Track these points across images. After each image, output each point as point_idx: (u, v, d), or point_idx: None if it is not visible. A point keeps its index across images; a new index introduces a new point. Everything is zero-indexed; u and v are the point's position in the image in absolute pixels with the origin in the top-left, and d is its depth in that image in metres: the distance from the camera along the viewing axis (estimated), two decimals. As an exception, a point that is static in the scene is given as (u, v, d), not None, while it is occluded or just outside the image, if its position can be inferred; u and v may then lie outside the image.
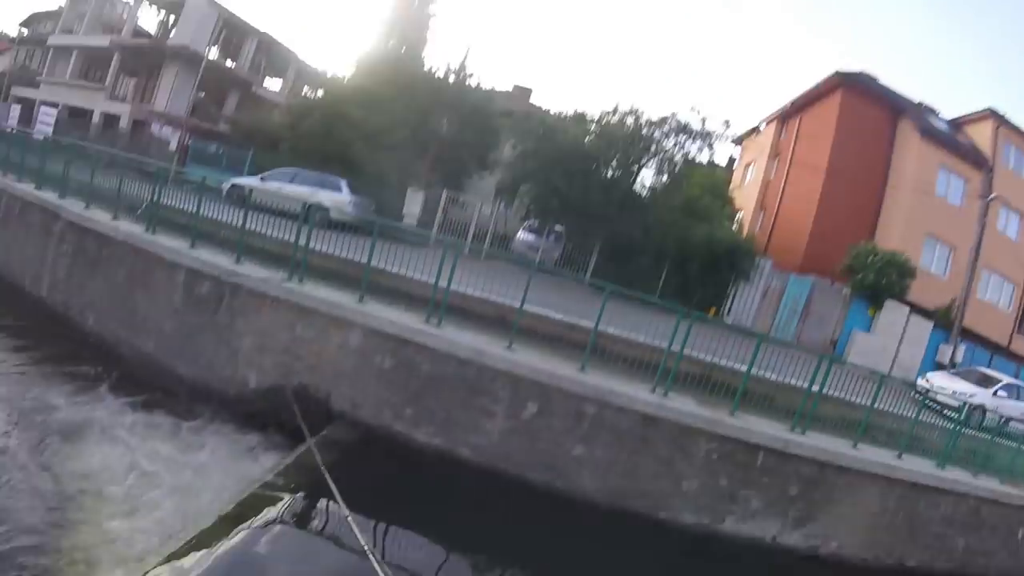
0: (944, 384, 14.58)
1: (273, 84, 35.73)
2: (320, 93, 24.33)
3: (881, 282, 18.47)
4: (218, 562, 5.51)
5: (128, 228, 9.99)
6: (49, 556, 5.68)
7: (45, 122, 25.59)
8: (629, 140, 18.51)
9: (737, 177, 32.54)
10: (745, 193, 29.27)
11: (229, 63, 31.23)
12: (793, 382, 9.09)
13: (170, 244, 9.35)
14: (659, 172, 19.74)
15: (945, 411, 11.29)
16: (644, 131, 18.73)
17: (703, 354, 9.23)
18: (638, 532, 8.03)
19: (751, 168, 31.97)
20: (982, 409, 12.72)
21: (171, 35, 31.64)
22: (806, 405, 8.48)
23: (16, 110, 31.15)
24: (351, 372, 8.44)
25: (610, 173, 18.92)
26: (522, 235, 20.21)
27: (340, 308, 8.35)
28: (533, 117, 19.89)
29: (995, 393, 14.66)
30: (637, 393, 8.05)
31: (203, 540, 5.69)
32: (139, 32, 34.84)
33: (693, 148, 19.42)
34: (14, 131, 18.19)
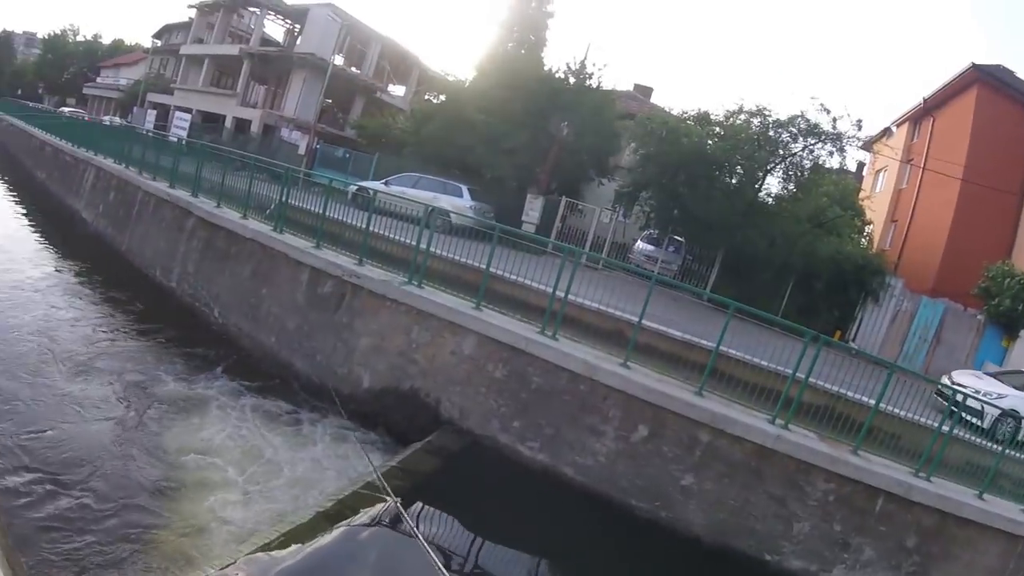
0: (970, 383, 12.14)
1: (397, 89, 37.32)
2: (442, 97, 24.97)
3: (1018, 309, 16.40)
4: (310, 557, 5.68)
5: (256, 226, 10.67)
6: (159, 526, 6.16)
7: (180, 126, 28.04)
8: (755, 143, 17.67)
9: (867, 185, 30.49)
10: (875, 203, 27.15)
11: (354, 70, 32.92)
12: (921, 420, 8.34)
13: (296, 243, 9.91)
14: (785, 179, 18.77)
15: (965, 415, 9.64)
16: (771, 133, 17.78)
17: (827, 383, 8.63)
18: (740, 574, 7.61)
19: (882, 175, 29.84)
20: (1017, 416, 10.35)
21: (297, 43, 33.91)
22: (934, 447, 7.75)
23: (152, 115, 34.31)
24: (462, 379, 8.56)
25: (734, 179, 18.18)
26: (641, 245, 19.84)
27: (456, 313, 8.51)
28: (654, 118, 19.31)
29: None
30: (755, 422, 7.62)
31: (299, 533, 5.87)
32: (267, 41, 37.64)
33: (823, 152, 18.18)
34: (151, 134, 19.82)
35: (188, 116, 30.44)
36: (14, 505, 5.93)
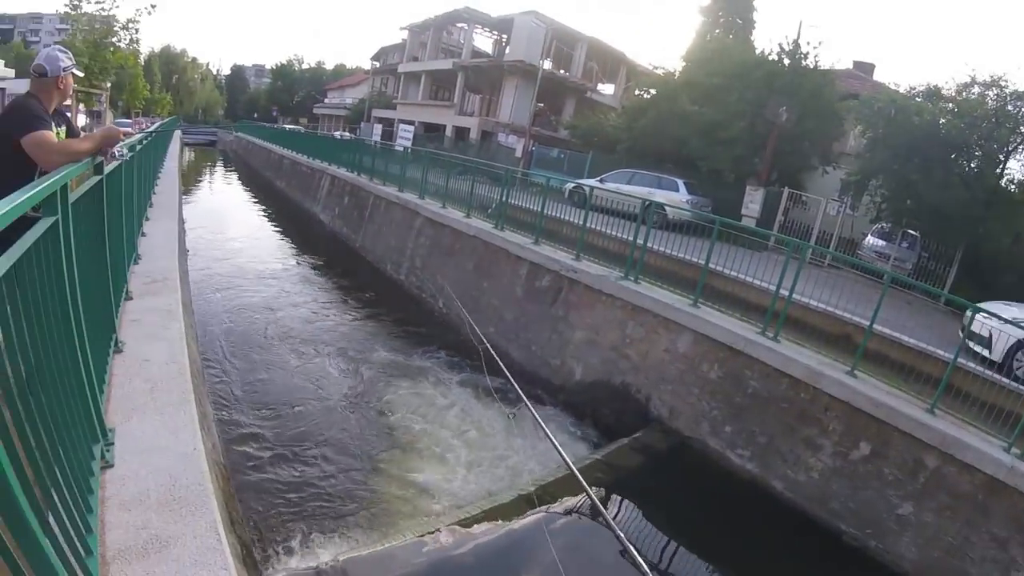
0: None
1: (606, 88, 38.34)
2: (652, 92, 25.15)
3: None
4: (506, 536, 6.19)
5: (479, 224, 11.76)
6: (375, 489, 7.06)
7: (404, 137, 31.23)
8: (993, 120, 15.59)
9: None
10: None
11: (562, 72, 34.33)
12: None
13: (516, 239, 10.81)
14: None
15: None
16: (1009, 107, 15.51)
17: None
18: None
19: None
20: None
21: (506, 52, 36.18)
22: None
23: (378, 128, 38.57)
24: (675, 377, 8.77)
25: (973, 163, 16.18)
26: (871, 240, 18.32)
27: (672, 310, 8.75)
28: (880, 97, 17.76)
29: None
30: (989, 449, 6.78)
31: (499, 512, 6.44)
32: (477, 53, 40.66)
33: None
34: (378, 145, 22.35)
35: (411, 128, 33.91)
36: (242, 460, 7.10)
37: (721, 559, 7.15)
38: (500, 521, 6.31)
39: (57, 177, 2.26)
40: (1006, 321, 8.44)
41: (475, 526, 6.16)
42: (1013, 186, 16.58)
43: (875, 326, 8.04)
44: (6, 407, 1.43)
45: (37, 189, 1.91)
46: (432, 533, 5.86)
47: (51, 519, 1.59)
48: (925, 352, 8.93)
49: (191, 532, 2.41)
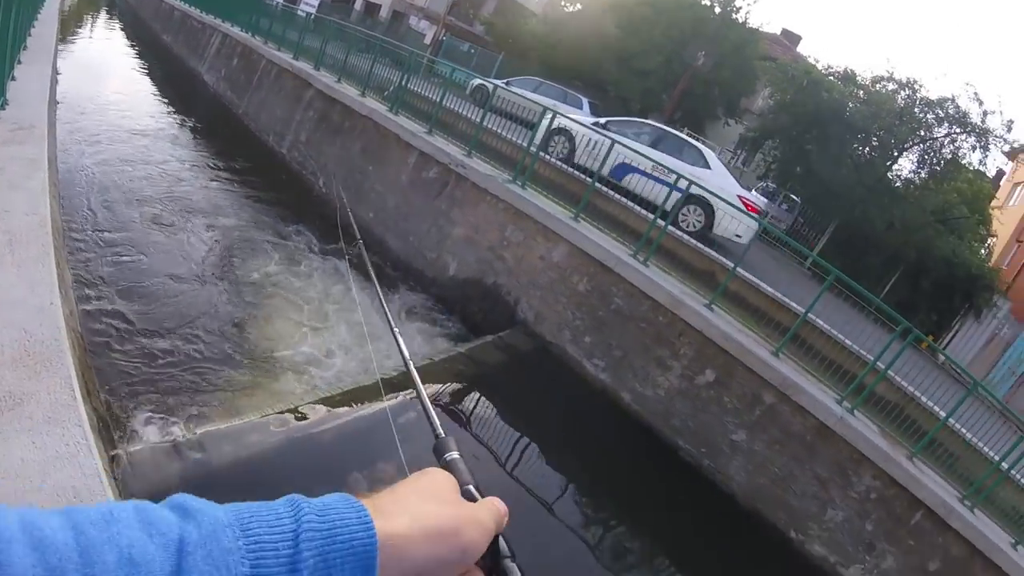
0: None
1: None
2: (578, 6, 24.69)
3: None
4: (358, 420, 6.18)
5: (374, 105, 11.27)
6: (229, 366, 6.87)
7: (309, 2, 28.81)
8: (897, 117, 16.79)
9: (1001, 195, 28.44)
10: (1005, 217, 25.34)
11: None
12: (986, 450, 7.94)
13: (409, 126, 10.46)
14: (920, 163, 17.82)
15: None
16: (916, 110, 16.85)
17: (905, 381, 8.37)
18: (762, 544, 7.72)
19: (1020, 190, 27.78)
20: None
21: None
22: (987, 480, 7.44)
23: (280, -14, 35.20)
24: (545, 285, 8.97)
25: (867, 150, 17.41)
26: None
27: (553, 220, 8.86)
28: (797, 66, 18.54)
29: None
30: (823, 398, 7.54)
31: (356, 395, 6.45)
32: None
33: (965, 145, 17.15)
34: (280, 7, 20.66)
35: (317, -5, 31.34)
36: (99, 330, 6.65)
37: (565, 458, 7.57)
38: (359, 403, 6.32)
39: None
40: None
41: (335, 409, 6.14)
42: (899, 181, 17.94)
43: (739, 269, 8.54)
44: None
45: None
46: (290, 411, 5.80)
47: None
48: (779, 302, 9.49)
49: (45, 389, 2.33)
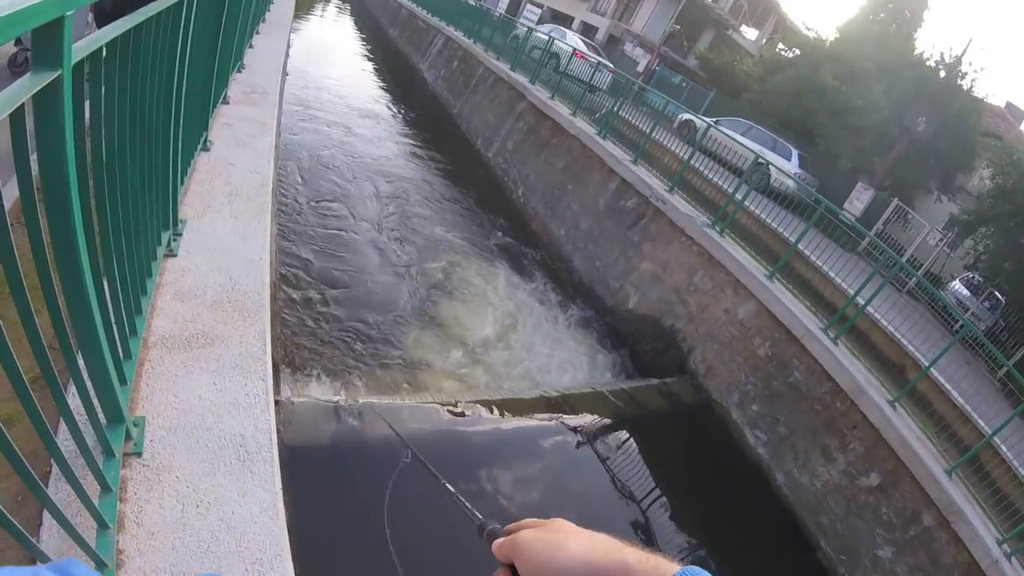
0: None
1: (749, 32, 36.18)
2: (796, 52, 23.86)
3: None
4: (511, 430, 6.37)
5: (582, 126, 11.46)
6: (403, 345, 7.22)
7: (529, 17, 29.92)
8: None
9: None
10: None
11: (710, 1, 32.30)
12: None
13: (615, 152, 10.50)
14: None
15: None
16: None
17: None
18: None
19: None
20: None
21: (658, -41, 33.83)
22: None
23: (505, 2, 36.78)
24: (724, 340, 8.70)
25: None
26: (956, 286, 17.53)
27: (746, 274, 8.57)
28: (1022, 149, 16.66)
29: None
30: (984, 534, 6.57)
31: (515, 405, 6.64)
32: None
33: None
34: (502, 18, 21.61)
35: (539, 10, 32.50)
36: (289, 284, 7.26)
37: (696, 522, 7.25)
38: (512, 414, 6.47)
39: None
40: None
41: (492, 409, 6.34)
42: None
43: (932, 370, 7.79)
44: (91, 171, 1.39)
45: None
46: (451, 404, 6.03)
47: (106, 287, 1.54)
48: (968, 415, 8.50)
49: (238, 336, 2.37)
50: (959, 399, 8.72)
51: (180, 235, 2.80)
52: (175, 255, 2.67)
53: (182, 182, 3.03)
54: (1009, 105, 26.78)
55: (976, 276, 16.97)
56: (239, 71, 5.87)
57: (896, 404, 7.50)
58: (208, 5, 3.06)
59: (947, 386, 8.70)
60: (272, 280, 3.96)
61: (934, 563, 6.75)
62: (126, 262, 1.77)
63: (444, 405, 6.02)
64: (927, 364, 7.74)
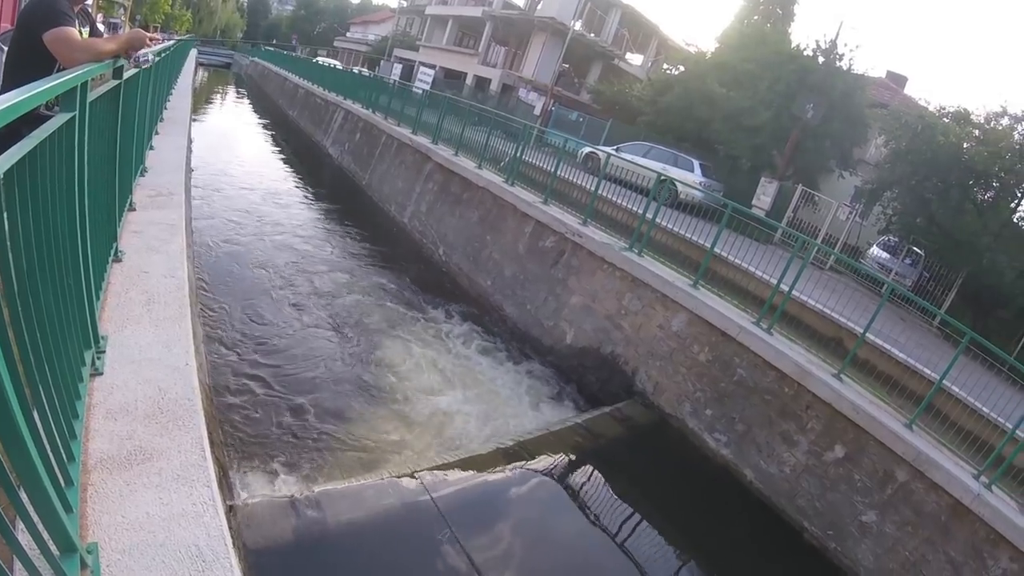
0: None
1: (635, 58, 37.71)
2: (681, 69, 25.00)
3: None
4: (480, 486, 6.31)
5: (490, 177, 11.73)
6: (350, 426, 7.09)
7: (424, 80, 30.74)
8: (1017, 153, 15.53)
9: None
10: None
11: (592, 36, 33.65)
12: None
13: (525, 196, 10.79)
14: None
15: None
16: None
17: None
18: None
19: None
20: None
21: (538, 7, 35.39)
22: None
23: (398, 68, 37.96)
24: (664, 355, 8.83)
25: (989, 194, 16.20)
26: (876, 251, 18.36)
27: (671, 287, 8.77)
28: (909, 111, 17.68)
29: None
30: (959, 473, 6.84)
31: (474, 462, 6.54)
32: (509, 4, 39.69)
33: None
34: (397, 85, 22.04)
35: (432, 71, 33.37)
36: (225, 383, 7.09)
37: (683, 539, 7.24)
38: (475, 472, 6.39)
39: (79, 73, 2.19)
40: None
41: (451, 473, 6.24)
42: None
43: (868, 335, 8.08)
44: (4, 302, 1.41)
45: (59, 81, 1.84)
46: (408, 475, 5.94)
47: (36, 417, 1.55)
48: (913, 368, 8.92)
49: (176, 447, 2.38)
50: (900, 355, 9.08)
51: (103, 352, 2.81)
52: (101, 373, 2.68)
53: (98, 297, 3.04)
54: (890, 74, 28.52)
55: (891, 238, 17.84)
56: (142, 175, 5.85)
57: (841, 376, 7.76)
58: (102, 116, 3.09)
59: (886, 347, 9.07)
60: (204, 384, 3.90)
61: (918, 513, 6.92)
62: (52, 389, 1.78)
63: (401, 478, 5.92)
64: (862, 331, 8.03)
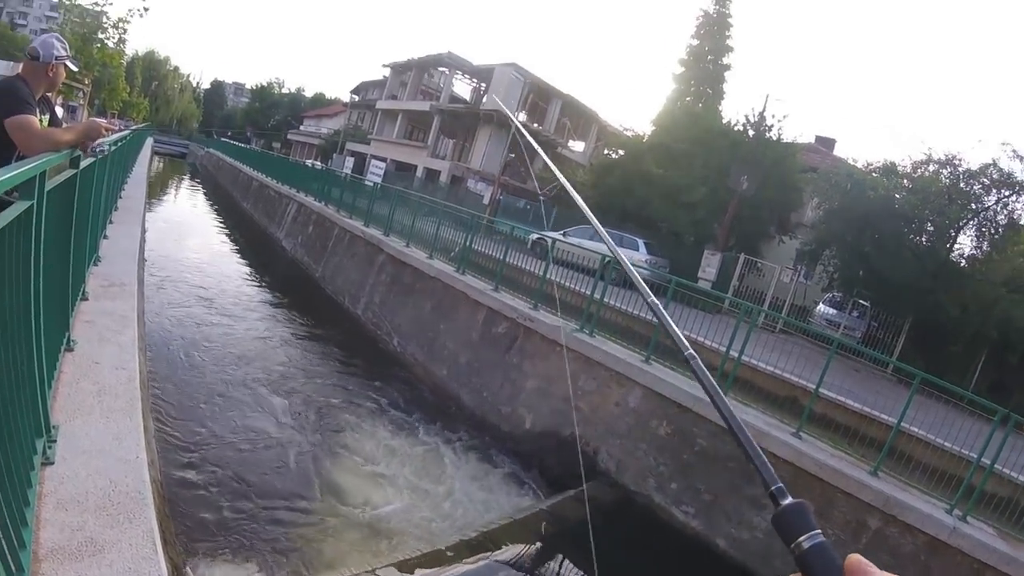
0: None
1: (576, 145, 39.16)
2: (620, 152, 26.04)
3: None
4: None
5: (441, 266, 11.86)
6: (307, 524, 6.83)
7: (375, 172, 31.28)
8: (945, 197, 16.45)
9: None
10: None
11: (536, 125, 34.91)
12: None
13: (476, 284, 10.89)
14: (979, 236, 17.18)
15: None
16: (962, 185, 16.52)
17: (1015, 472, 7.65)
18: None
19: None
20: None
21: (483, 101, 36.75)
22: None
23: (350, 161, 38.77)
24: (624, 432, 8.83)
25: (923, 238, 16.99)
26: (823, 308, 19.02)
27: (625, 364, 8.87)
28: (839, 172, 18.65)
29: None
30: (931, 511, 6.98)
31: (437, 557, 6.32)
32: (455, 98, 41.34)
33: (1018, 205, 16.57)
34: (349, 178, 22.42)
35: (383, 164, 34.05)
36: (178, 480, 6.82)
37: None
38: (439, 568, 6.17)
39: (39, 162, 2.25)
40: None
41: (415, 571, 6.02)
42: (963, 260, 17.40)
43: (821, 390, 8.26)
44: None
45: (20, 170, 1.89)
46: (368, 573, 5.73)
47: None
48: (870, 416, 9.18)
49: (127, 539, 2.36)
50: (856, 405, 9.44)
51: (55, 442, 2.79)
52: (52, 463, 2.67)
53: (50, 386, 3.04)
54: (819, 138, 30.41)
55: (836, 294, 18.49)
56: (96, 263, 5.83)
57: (800, 434, 7.89)
58: (58, 205, 3.10)
59: (840, 398, 9.40)
60: (156, 479, 3.79)
61: (896, 555, 6.93)
62: (4, 475, 1.77)
63: (364, 573, 5.68)
64: (814, 388, 8.20)
